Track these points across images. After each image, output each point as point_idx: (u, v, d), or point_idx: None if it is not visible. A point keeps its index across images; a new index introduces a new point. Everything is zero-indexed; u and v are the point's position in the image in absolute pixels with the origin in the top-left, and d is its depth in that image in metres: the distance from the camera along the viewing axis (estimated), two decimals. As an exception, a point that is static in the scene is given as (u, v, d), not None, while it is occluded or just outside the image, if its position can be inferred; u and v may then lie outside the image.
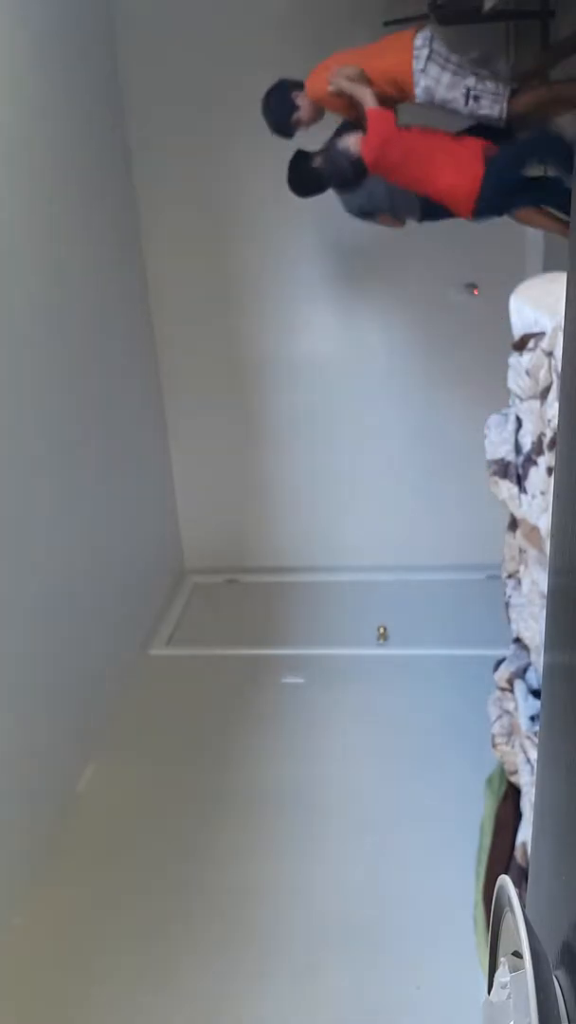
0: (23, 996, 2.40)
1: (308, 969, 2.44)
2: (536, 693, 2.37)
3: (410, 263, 4.06)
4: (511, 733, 2.61)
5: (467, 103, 2.81)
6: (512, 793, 2.75)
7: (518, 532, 2.29)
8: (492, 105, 2.80)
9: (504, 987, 0.63)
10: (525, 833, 2.46)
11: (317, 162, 3.11)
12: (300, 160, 3.17)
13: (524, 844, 2.45)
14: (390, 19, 3.43)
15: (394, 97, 2.93)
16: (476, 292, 4.03)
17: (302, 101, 3.03)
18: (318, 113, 3.07)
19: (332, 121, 3.09)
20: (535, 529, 2.05)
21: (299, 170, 3.19)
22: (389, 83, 2.89)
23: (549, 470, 1.89)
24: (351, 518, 4.60)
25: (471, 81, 2.79)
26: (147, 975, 2.44)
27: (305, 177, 3.17)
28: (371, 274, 4.12)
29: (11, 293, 2.83)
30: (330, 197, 4.09)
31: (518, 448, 2.12)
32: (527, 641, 2.37)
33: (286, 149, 3.95)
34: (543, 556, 2.06)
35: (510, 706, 2.57)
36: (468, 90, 2.79)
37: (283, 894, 2.70)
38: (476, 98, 2.80)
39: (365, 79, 2.88)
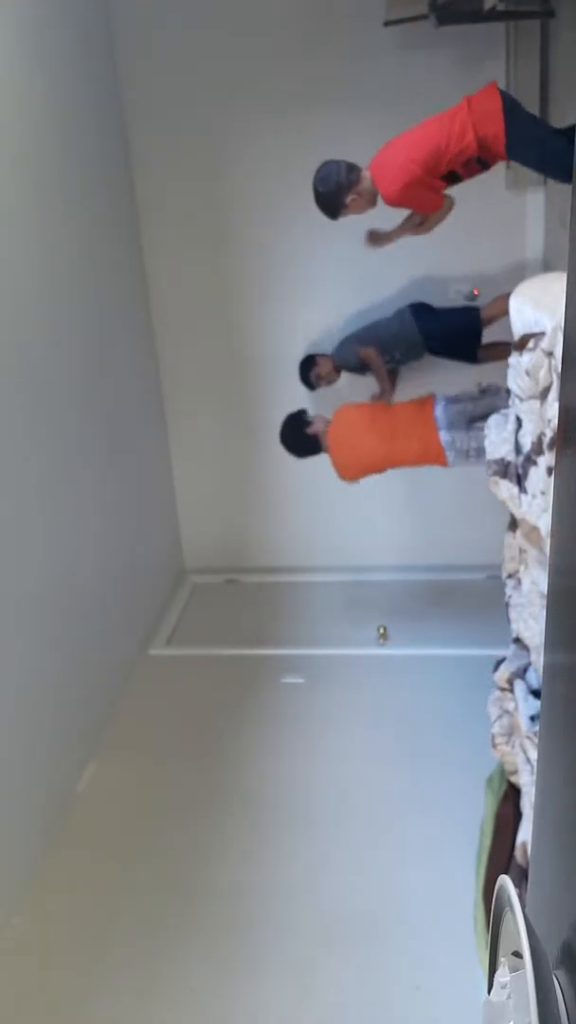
0: (23, 995, 2.40)
1: (308, 969, 2.44)
2: (536, 693, 2.37)
3: (410, 263, 4.06)
4: (511, 733, 2.61)
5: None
6: (512, 793, 2.75)
7: (518, 532, 2.29)
8: (499, 393, 3.23)
9: (504, 987, 0.63)
10: (525, 833, 2.47)
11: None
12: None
13: (524, 844, 2.45)
14: (390, 19, 3.42)
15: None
16: (476, 293, 4.03)
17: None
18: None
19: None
20: (535, 529, 2.06)
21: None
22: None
23: (549, 470, 1.89)
24: (351, 518, 4.60)
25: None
26: (146, 974, 2.44)
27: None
28: (372, 274, 4.11)
29: (11, 294, 2.83)
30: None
31: (518, 448, 2.12)
32: (527, 641, 2.37)
33: (287, 151, 3.96)
34: (543, 556, 2.06)
35: (510, 706, 2.57)
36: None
37: (282, 894, 2.70)
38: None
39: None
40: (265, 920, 2.60)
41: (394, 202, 2.92)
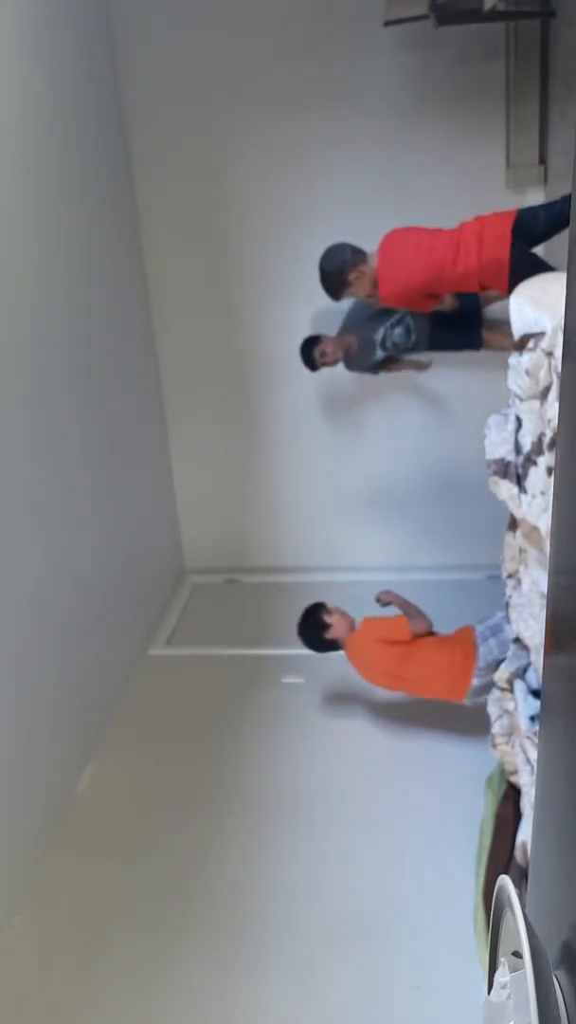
0: (23, 995, 2.40)
1: (308, 969, 2.44)
2: (536, 693, 2.37)
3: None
4: (511, 733, 2.61)
5: None
6: (512, 793, 2.75)
7: (518, 532, 2.29)
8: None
9: (504, 987, 0.63)
10: (525, 833, 2.47)
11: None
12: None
13: (524, 844, 2.45)
14: (390, 19, 3.42)
15: None
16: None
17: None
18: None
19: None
20: (535, 529, 2.06)
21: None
22: None
23: (549, 470, 1.89)
24: (351, 518, 4.60)
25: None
26: (146, 974, 2.44)
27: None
28: (371, 274, 4.11)
29: (10, 293, 2.83)
30: (332, 194, 4.10)
31: (518, 448, 2.12)
32: (527, 641, 2.37)
33: (287, 151, 3.96)
34: (543, 556, 2.06)
35: (510, 706, 2.57)
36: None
37: (282, 894, 2.70)
38: None
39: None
40: (265, 920, 2.60)
41: (388, 305, 3.22)
